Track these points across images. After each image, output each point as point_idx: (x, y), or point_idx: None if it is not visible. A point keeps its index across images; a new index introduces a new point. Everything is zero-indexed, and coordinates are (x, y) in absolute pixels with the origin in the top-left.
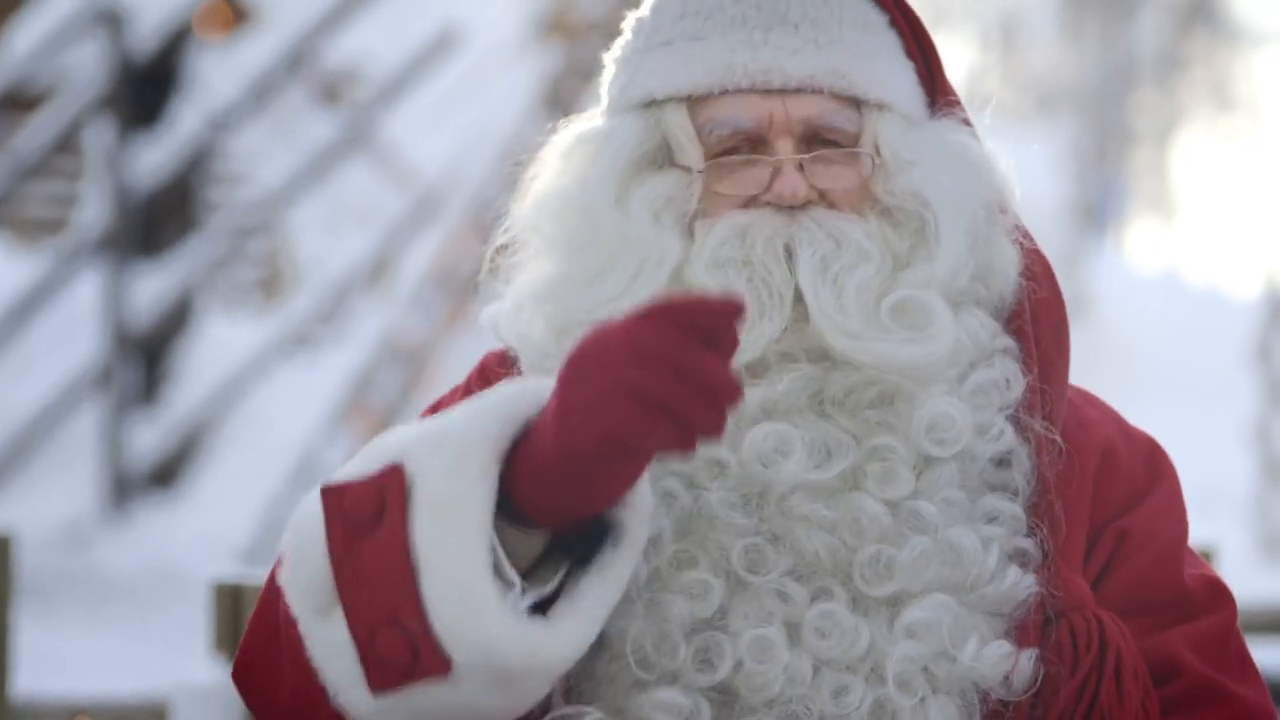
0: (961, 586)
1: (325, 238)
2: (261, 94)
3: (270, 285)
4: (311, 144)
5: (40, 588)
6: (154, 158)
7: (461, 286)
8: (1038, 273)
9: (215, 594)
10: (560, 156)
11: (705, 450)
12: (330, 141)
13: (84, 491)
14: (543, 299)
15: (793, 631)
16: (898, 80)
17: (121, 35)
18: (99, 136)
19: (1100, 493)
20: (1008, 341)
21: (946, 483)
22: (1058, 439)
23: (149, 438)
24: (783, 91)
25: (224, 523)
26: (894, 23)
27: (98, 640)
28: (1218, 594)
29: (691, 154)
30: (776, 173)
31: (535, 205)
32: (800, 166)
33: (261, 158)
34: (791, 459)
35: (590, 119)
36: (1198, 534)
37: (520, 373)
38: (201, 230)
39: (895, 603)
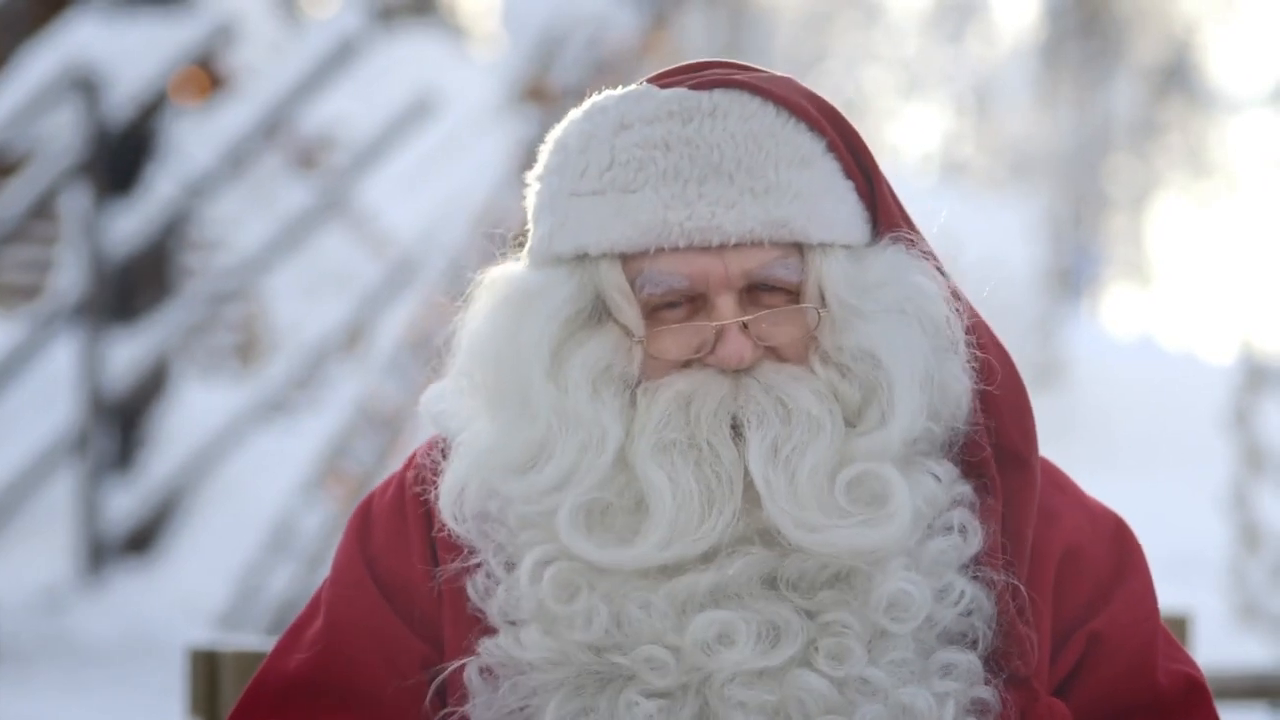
0: None
1: (301, 304)
2: (237, 160)
3: (246, 351)
4: (287, 210)
5: (16, 654)
6: (130, 224)
7: (438, 352)
8: (995, 366)
9: (191, 660)
10: (493, 306)
11: (644, 649)
12: (306, 208)
13: (60, 557)
14: (480, 471)
15: None
16: (838, 210)
17: (98, 102)
18: (75, 202)
19: (1064, 591)
20: (963, 489)
21: (898, 648)
22: (1021, 589)
23: (125, 504)
24: (721, 247)
25: (200, 588)
26: (832, 146)
27: (74, 706)
28: (1193, 693)
29: (629, 314)
30: (719, 336)
31: (468, 349)
32: (744, 326)
33: (237, 224)
34: (735, 648)
35: (517, 266)
36: (1174, 600)
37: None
38: (178, 296)
39: None
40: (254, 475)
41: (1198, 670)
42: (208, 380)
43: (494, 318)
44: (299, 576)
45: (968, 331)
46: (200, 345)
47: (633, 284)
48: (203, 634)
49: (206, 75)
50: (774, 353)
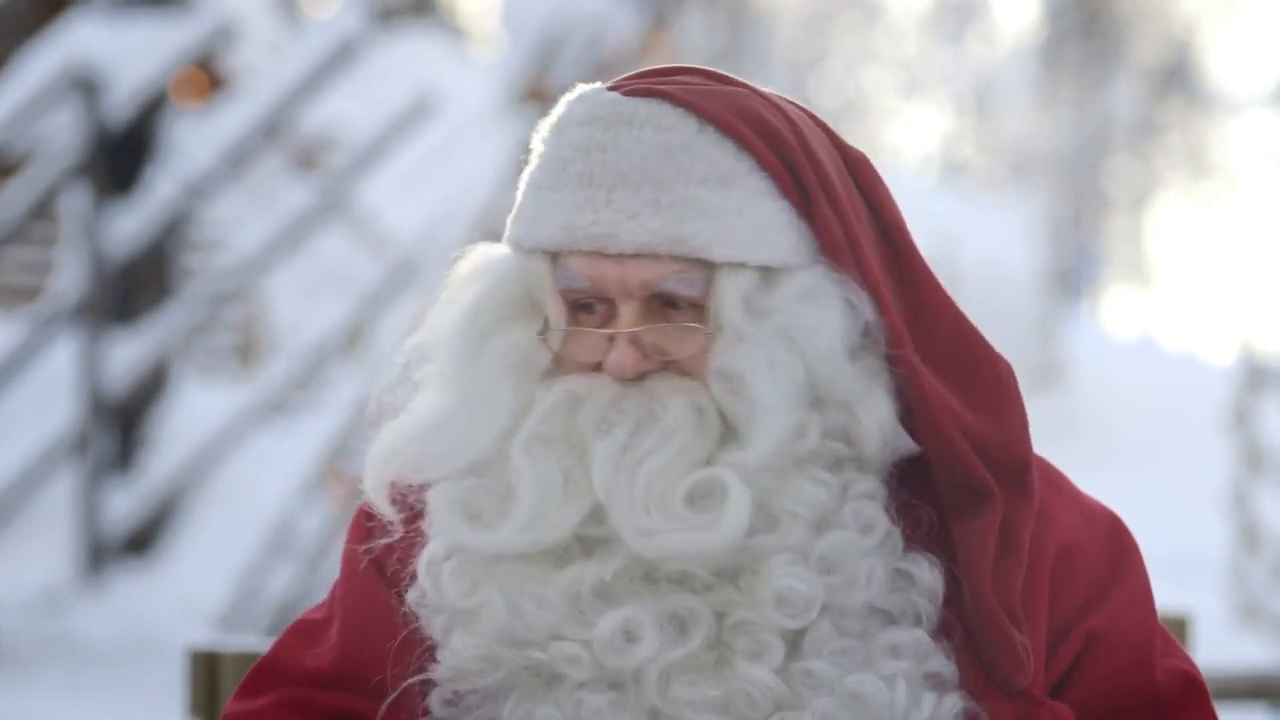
0: None
1: (301, 304)
2: (238, 161)
3: (246, 352)
4: (287, 211)
5: (16, 654)
6: (130, 224)
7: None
8: (985, 368)
9: (191, 660)
10: (453, 287)
11: (556, 646)
12: (306, 208)
13: (60, 558)
14: (399, 450)
15: None
16: (758, 230)
17: (97, 102)
18: (75, 203)
19: (1060, 590)
20: (865, 486)
21: (829, 636)
22: (1014, 598)
23: (125, 505)
24: (620, 256)
25: (200, 589)
26: (764, 165)
27: (74, 706)
28: (1191, 690)
29: (551, 308)
30: (612, 344)
31: (424, 338)
32: (635, 339)
33: (238, 225)
34: (644, 642)
35: (493, 248)
36: (1174, 601)
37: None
38: (178, 297)
39: None
40: (254, 476)
41: (1195, 668)
42: (208, 381)
43: (451, 294)
44: (299, 577)
45: (930, 346)
46: (200, 346)
47: (555, 280)
48: (203, 635)
49: (206, 76)
50: (676, 366)
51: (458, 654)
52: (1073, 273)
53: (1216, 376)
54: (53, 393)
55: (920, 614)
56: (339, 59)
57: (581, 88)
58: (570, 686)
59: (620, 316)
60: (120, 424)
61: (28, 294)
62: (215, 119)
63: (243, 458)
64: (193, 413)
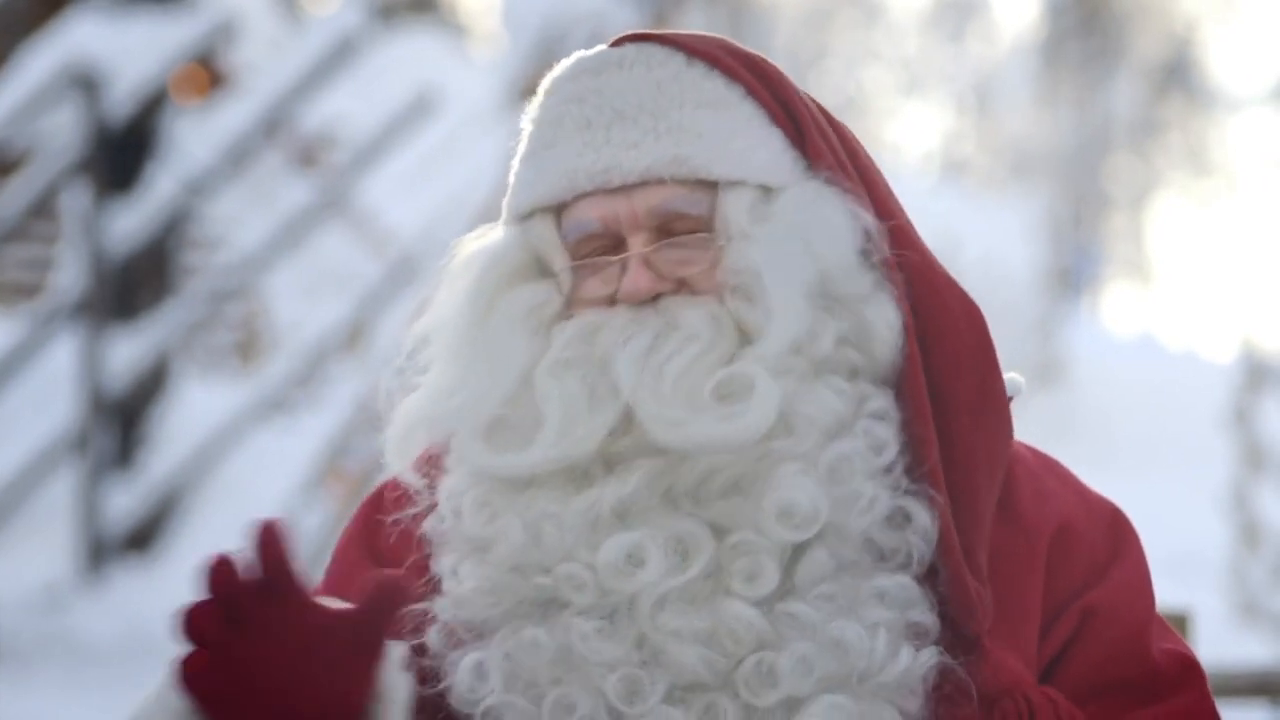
0: (849, 681)
1: (302, 302)
2: (238, 159)
3: (247, 350)
4: (288, 209)
5: (16, 652)
6: (130, 222)
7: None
8: (954, 322)
9: None
10: (453, 273)
11: (563, 567)
12: (307, 206)
13: (60, 556)
14: (422, 420)
15: None
16: (754, 153)
17: (98, 99)
18: (75, 201)
19: (1058, 568)
20: (879, 404)
21: (819, 573)
22: (938, 497)
23: (125, 502)
24: (626, 187)
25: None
26: (751, 93)
27: (74, 705)
28: (1188, 671)
29: (558, 262)
30: (624, 269)
31: (430, 323)
32: (647, 261)
33: (238, 222)
34: (648, 567)
35: (488, 233)
36: (1174, 599)
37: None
38: (178, 295)
39: (789, 708)
40: (254, 474)
41: (1194, 654)
42: (208, 379)
43: (454, 280)
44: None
45: (915, 272)
46: (201, 344)
47: (563, 240)
48: None
49: (207, 73)
50: (687, 286)
51: (463, 583)
52: (1073, 271)
53: (1217, 375)
54: (53, 390)
55: (912, 555)
56: (339, 57)
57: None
58: (557, 613)
59: (629, 248)
60: (120, 422)
61: (28, 291)
62: (215, 116)
63: (243, 456)
64: (193, 411)
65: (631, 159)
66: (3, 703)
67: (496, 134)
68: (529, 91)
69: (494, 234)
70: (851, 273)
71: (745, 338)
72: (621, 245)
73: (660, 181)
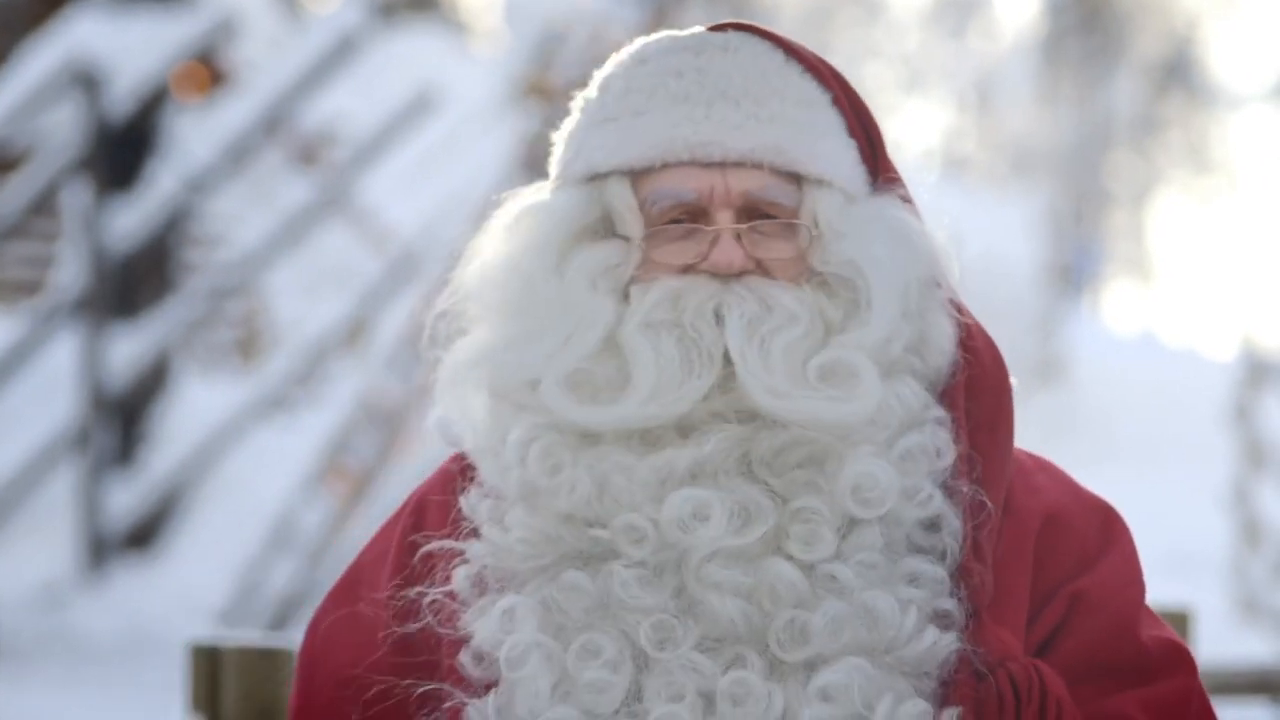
0: (876, 649)
1: (302, 300)
2: (238, 156)
3: (247, 347)
4: (288, 206)
5: (17, 650)
6: (131, 220)
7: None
8: (977, 345)
9: (192, 655)
10: (505, 227)
11: (625, 517)
12: (307, 204)
13: (61, 553)
14: (478, 364)
15: (708, 701)
16: (838, 158)
17: (98, 97)
18: (76, 198)
19: (1046, 555)
20: (940, 413)
21: (868, 545)
22: (986, 501)
23: (126, 499)
24: (723, 165)
25: (201, 584)
26: (836, 101)
27: (74, 702)
28: (1178, 657)
29: (632, 225)
30: (714, 242)
31: (479, 274)
32: (738, 237)
33: (238, 220)
34: (710, 524)
35: (536, 192)
36: (1175, 596)
37: (465, 483)
38: (178, 292)
39: (811, 666)
40: (255, 471)
41: (1183, 642)
42: (208, 376)
43: (508, 235)
44: (300, 573)
45: (954, 305)
46: (201, 341)
47: (641, 205)
48: (203, 630)
49: (207, 71)
50: (764, 269)
51: (509, 531)
52: (1074, 269)
53: (1217, 372)
54: (53, 388)
55: (945, 552)
56: (340, 54)
57: (638, 40)
58: (601, 563)
59: (716, 222)
60: (121, 419)
61: (29, 289)
62: (216, 114)
63: (243, 453)
64: (193, 408)
65: (735, 139)
66: (3, 700)
67: (497, 131)
68: (530, 90)
69: (542, 193)
70: (926, 286)
71: (829, 326)
72: (702, 218)
73: (757, 165)
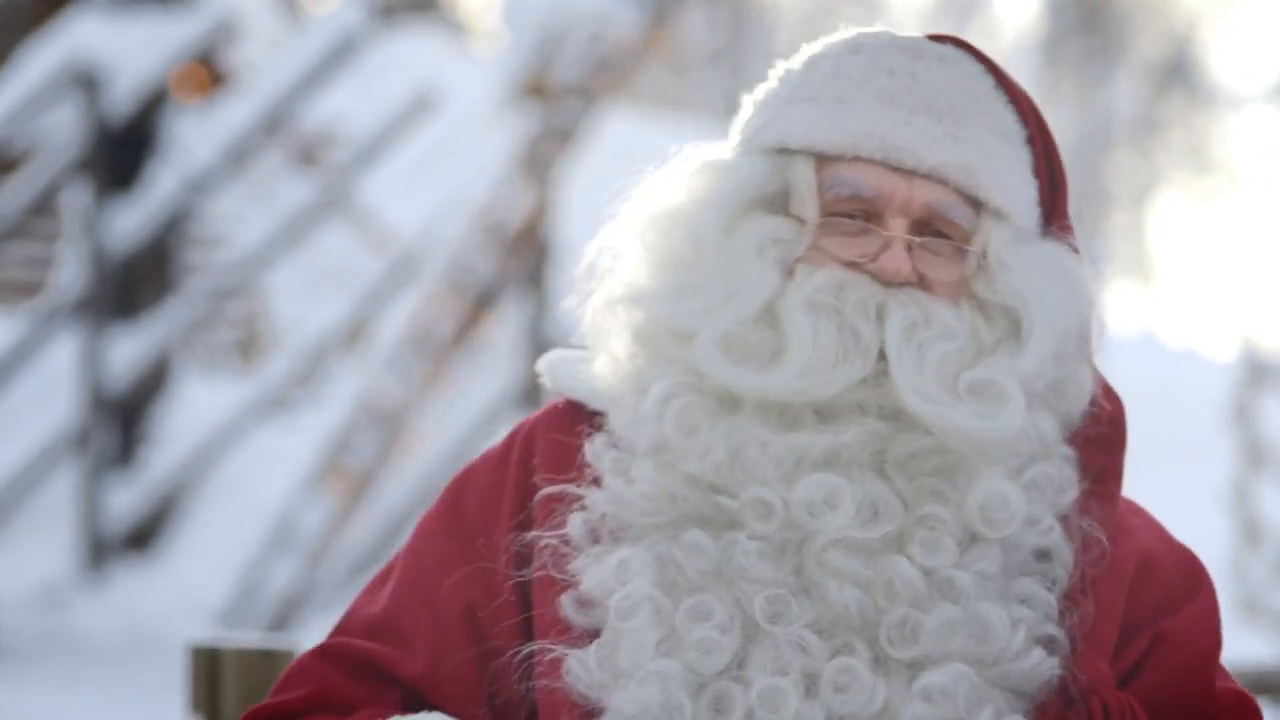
0: (984, 660)
1: (302, 300)
2: (239, 157)
3: (248, 348)
4: (288, 207)
5: (16, 650)
6: (131, 220)
7: (439, 348)
8: (1105, 402)
9: (192, 656)
10: (683, 177)
11: (755, 490)
12: (307, 204)
13: (60, 554)
14: (633, 305)
15: (810, 683)
16: (1020, 193)
17: (98, 98)
18: (76, 199)
19: (1137, 595)
20: (1068, 451)
21: (987, 559)
22: (1102, 538)
23: (126, 500)
24: (911, 173)
25: (201, 585)
26: (1030, 140)
27: (74, 703)
28: (1246, 709)
29: (808, 206)
30: (885, 247)
31: (647, 217)
32: (909, 247)
33: (239, 221)
34: (839, 512)
35: (718, 150)
36: None
37: (585, 429)
38: (179, 293)
39: (916, 666)
40: (255, 472)
41: (1253, 699)
42: (209, 377)
43: (685, 186)
44: (300, 573)
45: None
46: (201, 342)
47: (819, 188)
48: (203, 631)
49: (207, 72)
50: (926, 284)
51: (633, 483)
52: None
53: (1218, 372)
54: (54, 388)
55: (1054, 581)
56: (340, 55)
57: (853, 29)
58: (722, 529)
59: (889, 228)
60: (121, 420)
61: (29, 290)
62: (216, 115)
63: (244, 454)
64: (194, 409)
65: (929, 150)
66: (3, 700)
67: (497, 132)
68: (530, 90)
69: (724, 153)
70: (1079, 336)
71: (981, 347)
72: (874, 219)
73: (942, 181)
